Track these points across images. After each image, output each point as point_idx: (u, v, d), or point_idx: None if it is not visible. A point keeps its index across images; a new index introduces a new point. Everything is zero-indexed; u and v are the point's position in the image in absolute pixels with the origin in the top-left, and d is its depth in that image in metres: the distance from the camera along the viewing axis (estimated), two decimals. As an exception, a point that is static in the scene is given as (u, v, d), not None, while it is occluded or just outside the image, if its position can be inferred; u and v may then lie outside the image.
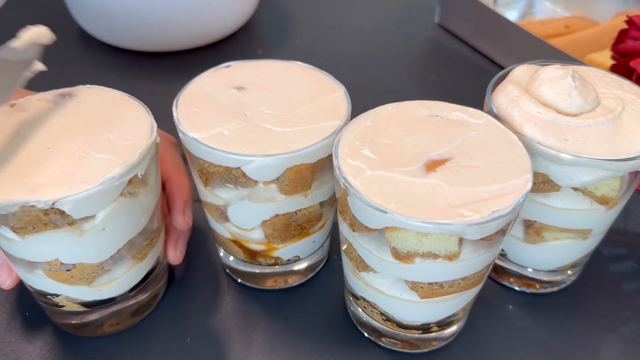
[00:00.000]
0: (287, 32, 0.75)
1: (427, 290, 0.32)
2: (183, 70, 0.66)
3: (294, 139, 0.33)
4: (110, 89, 0.37)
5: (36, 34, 0.34)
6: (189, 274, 0.43)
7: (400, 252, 0.30)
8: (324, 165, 0.35)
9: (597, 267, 0.44)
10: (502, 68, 0.68)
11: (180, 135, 0.35)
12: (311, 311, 0.41)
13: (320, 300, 0.42)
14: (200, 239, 0.45)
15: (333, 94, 0.37)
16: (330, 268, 0.44)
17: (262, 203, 0.35)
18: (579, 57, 0.57)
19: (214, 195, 0.36)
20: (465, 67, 0.69)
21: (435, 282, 0.32)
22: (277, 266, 0.41)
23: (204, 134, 0.33)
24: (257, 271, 0.41)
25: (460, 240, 0.29)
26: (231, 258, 0.42)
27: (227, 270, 0.43)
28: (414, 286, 0.32)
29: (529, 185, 0.30)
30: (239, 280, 0.42)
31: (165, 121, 0.40)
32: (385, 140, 0.32)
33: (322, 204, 0.37)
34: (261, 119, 0.35)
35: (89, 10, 0.66)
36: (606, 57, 0.55)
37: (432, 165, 0.31)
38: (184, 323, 0.40)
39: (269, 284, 0.42)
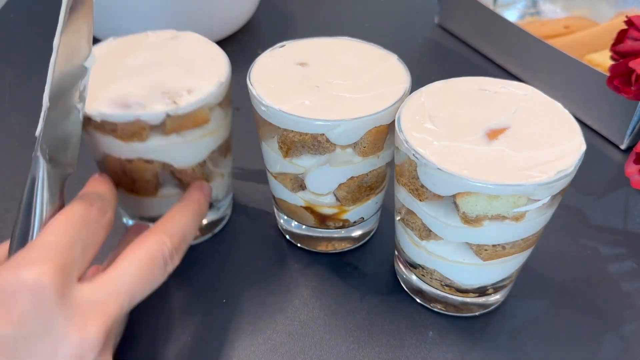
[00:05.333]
0: (287, 32, 0.75)
1: (491, 252, 0.35)
2: (183, 71, 0.66)
3: (369, 103, 0.36)
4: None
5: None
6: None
7: (470, 216, 0.32)
8: (394, 126, 0.37)
9: (596, 267, 0.44)
10: (502, 68, 0.68)
11: (264, 108, 0.36)
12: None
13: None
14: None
15: (389, 62, 0.40)
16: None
17: (341, 166, 0.38)
18: (578, 57, 0.57)
19: (293, 165, 0.38)
20: (465, 67, 0.69)
21: (499, 244, 0.34)
22: (342, 229, 0.44)
23: (288, 105, 0.36)
24: (318, 236, 0.44)
25: (527, 201, 0.31)
26: (293, 224, 0.44)
27: (288, 237, 0.46)
28: (479, 249, 0.35)
29: (584, 147, 0.32)
30: (299, 245, 0.45)
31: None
32: (443, 114, 0.35)
33: (388, 164, 0.40)
34: (333, 89, 0.37)
35: (90, 11, 0.66)
36: (606, 57, 0.55)
37: (493, 134, 0.33)
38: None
39: (324, 248, 0.45)
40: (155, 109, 0.35)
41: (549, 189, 0.31)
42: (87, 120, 0.35)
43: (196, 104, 0.36)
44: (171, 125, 0.36)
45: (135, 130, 0.35)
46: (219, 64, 0.40)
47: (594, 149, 0.56)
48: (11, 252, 0.30)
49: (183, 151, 0.38)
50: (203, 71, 0.39)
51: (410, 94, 0.37)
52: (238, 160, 0.53)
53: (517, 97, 0.36)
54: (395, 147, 0.35)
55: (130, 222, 0.44)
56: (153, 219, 0.42)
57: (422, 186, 0.33)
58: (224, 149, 0.43)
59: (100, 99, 0.35)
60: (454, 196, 0.32)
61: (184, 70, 0.39)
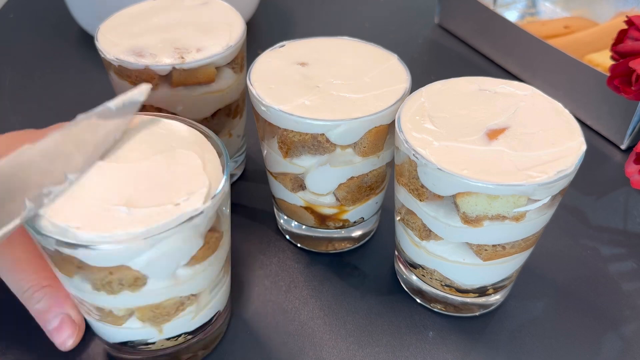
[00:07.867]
0: (287, 32, 0.75)
1: (491, 252, 0.35)
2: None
3: (369, 103, 0.36)
4: None
5: (136, 92, 0.32)
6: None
7: (470, 217, 0.32)
8: (394, 126, 0.37)
9: (596, 267, 0.44)
10: (502, 68, 0.68)
11: (264, 109, 0.37)
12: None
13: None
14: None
15: (389, 62, 0.41)
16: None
17: (341, 166, 0.38)
18: (578, 57, 0.57)
19: (293, 165, 0.38)
20: (465, 67, 0.69)
21: (499, 244, 0.34)
22: (342, 229, 0.43)
23: (288, 105, 0.36)
24: (318, 236, 0.44)
25: (527, 201, 0.31)
26: (293, 224, 0.44)
27: (288, 237, 0.46)
28: (479, 249, 0.35)
29: (584, 147, 0.32)
30: (299, 245, 0.45)
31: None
32: (443, 114, 0.35)
33: (388, 164, 0.40)
34: (334, 88, 0.37)
35: (89, 10, 0.66)
36: (606, 57, 0.55)
37: (493, 134, 0.33)
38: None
39: (324, 248, 0.45)
40: (163, 61, 0.39)
41: (549, 189, 0.31)
42: (109, 65, 0.40)
43: (201, 61, 0.40)
44: (177, 78, 0.40)
45: (146, 78, 0.40)
46: (233, 30, 0.43)
47: (594, 149, 0.56)
48: None
49: (189, 105, 0.41)
50: (217, 34, 0.42)
51: (410, 94, 0.37)
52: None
53: (517, 97, 0.36)
54: (395, 147, 0.35)
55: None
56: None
57: (422, 186, 0.33)
58: (233, 111, 0.45)
59: (120, 47, 0.40)
60: (454, 196, 0.32)
61: (201, 31, 0.42)
